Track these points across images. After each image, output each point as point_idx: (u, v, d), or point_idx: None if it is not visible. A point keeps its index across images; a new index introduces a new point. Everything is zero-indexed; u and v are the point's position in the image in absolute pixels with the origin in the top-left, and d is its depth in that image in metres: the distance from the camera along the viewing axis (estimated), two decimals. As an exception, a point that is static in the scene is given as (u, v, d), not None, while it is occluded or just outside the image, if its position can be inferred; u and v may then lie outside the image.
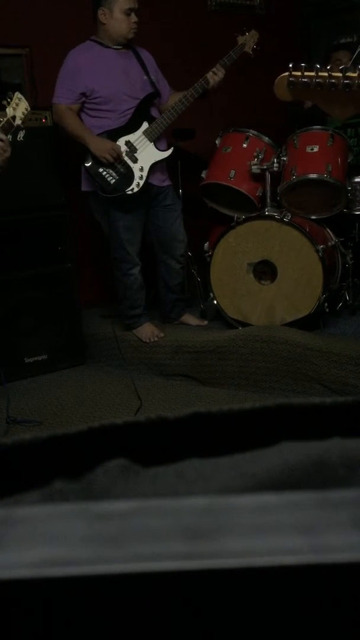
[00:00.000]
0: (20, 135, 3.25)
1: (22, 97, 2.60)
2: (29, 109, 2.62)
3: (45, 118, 3.33)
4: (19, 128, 2.65)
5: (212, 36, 4.28)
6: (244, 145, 3.41)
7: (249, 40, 3.41)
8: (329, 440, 0.37)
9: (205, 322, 3.57)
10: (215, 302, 3.39)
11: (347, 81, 1.74)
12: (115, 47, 3.17)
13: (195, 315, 3.64)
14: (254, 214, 3.27)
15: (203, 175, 3.46)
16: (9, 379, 3.02)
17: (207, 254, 3.40)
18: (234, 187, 3.34)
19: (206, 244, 3.49)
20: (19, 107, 2.57)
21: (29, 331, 3.38)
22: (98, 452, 0.37)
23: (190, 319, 3.58)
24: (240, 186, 3.35)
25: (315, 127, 3.38)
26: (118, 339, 3.47)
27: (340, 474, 0.35)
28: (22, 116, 2.58)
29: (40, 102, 3.65)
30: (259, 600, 0.27)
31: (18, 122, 2.57)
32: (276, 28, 4.30)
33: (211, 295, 3.39)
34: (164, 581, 0.26)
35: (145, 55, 3.29)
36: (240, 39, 3.41)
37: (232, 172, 3.34)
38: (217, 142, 3.53)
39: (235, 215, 3.30)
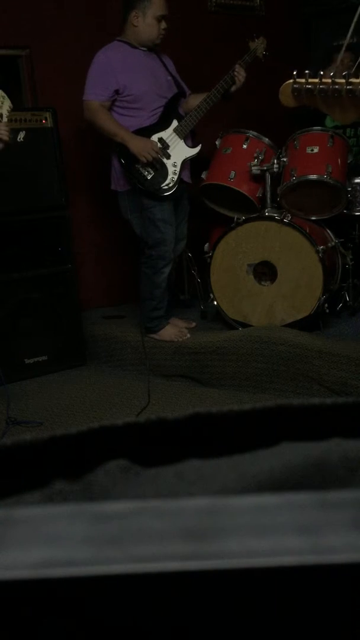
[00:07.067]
0: (20, 135, 3.26)
1: (5, 95, 2.60)
2: (12, 106, 2.62)
3: (45, 119, 3.33)
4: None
5: (212, 37, 4.28)
6: (244, 146, 3.42)
7: (259, 45, 3.52)
8: (329, 441, 0.37)
9: (194, 324, 3.53)
10: (215, 303, 3.39)
11: (350, 87, 1.76)
12: (141, 48, 3.22)
13: (183, 318, 3.60)
14: (254, 215, 3.27)
15: (203, 176, 3.47)
16: (9, 379, 3.02)
17: (207, 255, 3.40)
18: (234, 188, 3.35)
19: (206, 245, 3.49)
20: (3, 105, 2.57)
21: (30, 332, 3.38)
22: (98, 453, 0.37)
23: (178, 321, 3.54)
24: (240, 187, 3.35)
25: (315, 128, 3.39)
26: (120, 339, 3.46)
27: (340, 474, 0.35)
28: (7, 113, 2.58)
29: (40, 103, 3.66)
30: (259, 601, 0.27)
31: (5, 119, 2.57)
32: (276, 29, 4.30)
33: (211, 296, 3.39)
34: (164, 582, 0.26)
35: (166, 58, 3.36)
36: (252, 44, 3.52)
37: (232, 173, 3.34)
38: (217, 143, 3.53)
39: (235, 216, 3.30)
